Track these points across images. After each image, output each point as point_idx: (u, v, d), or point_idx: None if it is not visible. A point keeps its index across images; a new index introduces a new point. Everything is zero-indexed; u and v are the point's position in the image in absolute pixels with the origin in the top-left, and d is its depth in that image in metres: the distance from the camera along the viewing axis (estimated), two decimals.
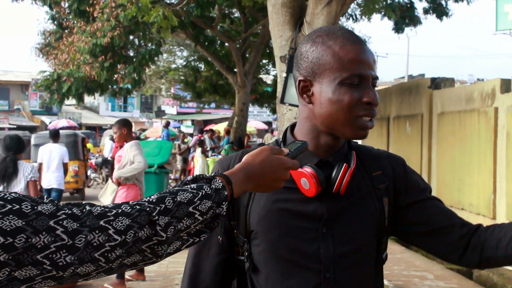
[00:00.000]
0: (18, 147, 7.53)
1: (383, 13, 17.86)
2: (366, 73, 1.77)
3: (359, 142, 2.04)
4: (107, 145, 23.96)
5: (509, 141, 10.10)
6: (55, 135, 12.41)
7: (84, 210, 1.33)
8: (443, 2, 18.46)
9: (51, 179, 11.70)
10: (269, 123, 48.18)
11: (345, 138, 1.88)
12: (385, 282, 7.90)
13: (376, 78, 1.82)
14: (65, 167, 12.12)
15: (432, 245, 1.95)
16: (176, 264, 9.04)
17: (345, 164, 1.82)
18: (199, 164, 18.73)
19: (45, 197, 1.35)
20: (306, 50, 1.86)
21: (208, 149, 20.81)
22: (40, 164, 11.64)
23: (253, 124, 42.92)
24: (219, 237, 1.87)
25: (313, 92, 1.84)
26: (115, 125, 8.34)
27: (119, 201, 7.92)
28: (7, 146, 7.44)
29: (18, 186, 7.28)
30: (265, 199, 1.84)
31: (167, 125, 27.94)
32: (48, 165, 11.71)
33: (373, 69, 1.80)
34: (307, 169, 1.78)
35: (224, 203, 1.48)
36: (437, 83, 13.29)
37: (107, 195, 8.48)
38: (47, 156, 11.78)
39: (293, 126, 1.97)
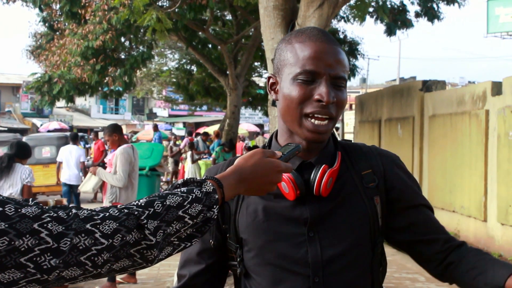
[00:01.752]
0: (20, 151, 7.64)
1: (375, 16, 17.90)
2: (320, 70, 1.73)
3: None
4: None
5: (500, 144, 10.13)
6: (74, 138, 14.70)
7: (70, 213, 1.31)
8: (435, 6, 18.51)
9: (71, 176, 13.67)
10: (261, 126, 48.21)
11: (303, 139, 1.82)
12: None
13: (341, 78, 1.77)
14: (82, 165, 14.01)
15: (412, 252, 1.94)
16: (167, 267, 9.01)
17: (324, 165, 1.80)
18: (188, 167, 18.69)
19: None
20: (277, 49, 1.88)
21: (201, 151, 20.74)
22: (60, 163, 13.99)
23: (245, 127, 42.91)
24: (210, 241, 1.85)
25: (277, 88, 1.85)
26: (105, 132, 8.36)
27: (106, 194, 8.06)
28: (10, 148, 7.69)
29: (14, 188, 7.32)
30: (252, 206, 1.83)
31: (155, 128, 27.88)
32: (68, 164, 13.71)
33: (333, 68, 1.74)
34: (285, 174, 1.76)
35: (215, 206, 1.46)
36: (428, 86, 13.33)
37: (90, 184, 8.52)
38: (68, 156, 13.77)
39: (277, 131, 1.96)
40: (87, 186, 8.62)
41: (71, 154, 13.83)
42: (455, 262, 1.83)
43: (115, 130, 8.23)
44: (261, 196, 1.81)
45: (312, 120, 1.75)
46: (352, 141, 2.00)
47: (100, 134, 19.42)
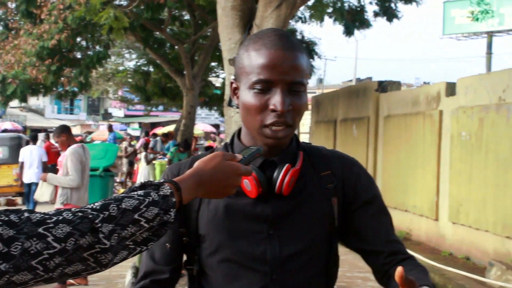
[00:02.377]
0: None
1: (334, 17, 18.01)
2: (274, 79, 1.72)
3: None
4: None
5: (452, 144, 10.30)
6: (34, 138, 14.78)
7: (22, 217, 1.27)
8: (393, 5, 18.69)
9: (31, 176, 13.54)
10: (217, 126, 48.12)
11: (263, 144, 1.81)
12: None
13: (297, 83, 1.75)
14: (44, 165, 13.78)
15: (362, 257, 1.96)
16: (119, 268, 8.88)
17: (287, 164, 1.81)
18: (142, 168, 18.58)
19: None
20: (237, 55, 1.89)
21: (157, 151, 20.63)
22: (22, 163, 13.81)
23: (201, 127, 42.78)
24: (167, 244, 1.86)
25: (238, 94, 1.84)
26: (54, 134, 8.27)
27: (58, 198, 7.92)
28: None
29: None
30: (214, 202, 1.84)
31: (110, 128, 27.64)
32: (30, 164, 13.66)
33: (289, 75, 1.72)
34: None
35: (172, 210, 1.44)
36: (384, 86, 13.47)
37: (46, 193, 8.40)
38: (28, 156, 13.73)
39: (240, 129, 1.96)
40: (45, 195, 8.46)
41: (31, 154, 13.79)
42: (392, 276, 1.82)
43: (63, 131, 8.14)
44: None
45: (273, 127, 1.75)
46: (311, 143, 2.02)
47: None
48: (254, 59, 1.74)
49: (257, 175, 1.78)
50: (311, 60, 20.78)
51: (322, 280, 1.89)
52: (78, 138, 17.20)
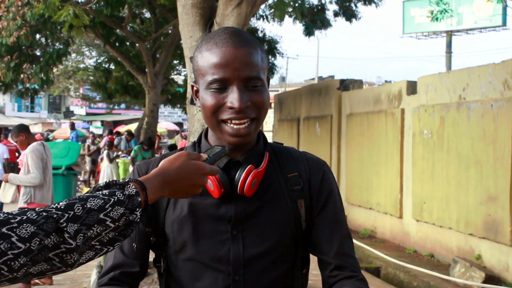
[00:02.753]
0: None
1: (294, 16, 18.02)
2: (229, 76, 1.71)
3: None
4: None
5: (415, 142, 10.37)
6: None
7: None
8: (353, 5, 18.79)
9: None
10: (180, 124, 48.02)
11: (227, 144, 1.81)
12: None
13: (253, 78, 1.74)
14: (6, 162, 13.09)
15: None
16: (84, 267, 8.82)
17: (250, 165, 1.80)
18: (104, 166, 18.44)
19: None
20: (194, 53, 1.88)
21: (121, 149, 20.46)
22: None
23: (164, 125, 42.68)
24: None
25: (199, 96, 1.84)
26: (12, 134, 8.16)
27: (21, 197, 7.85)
28: None
29: None
30: (180, 202, 1.83)
31: (72, 126, 27.42)
32: None
33: (243, 71, 1.72)
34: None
35: (137, 209, 1.44)
36: (346, 85, 13.52)
37: (8, 193, 8.28)
38: None
39: (208, 129, 1.95)
40: (7, 197, 8.35)
41: None
42: None
43: (21, 130, 8.07)
44: None
45: (231, 125, 1.74)
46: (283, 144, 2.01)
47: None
48: (207, 59, 1.75)
49: (219, 175, 1.78)
50: (273, 58, 20.81)
51: (289, 282, 1.88)
52: (37, 136, 16.97)
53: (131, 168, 16.84)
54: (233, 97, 1.71)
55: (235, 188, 1.80)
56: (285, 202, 1.85)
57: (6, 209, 9.87)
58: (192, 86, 1.89)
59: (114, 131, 26.57)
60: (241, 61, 1.72)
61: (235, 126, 1.74)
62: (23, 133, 8.03)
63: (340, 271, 1.86)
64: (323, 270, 1.89)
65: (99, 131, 40.70)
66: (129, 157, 17.76)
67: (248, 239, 1.81)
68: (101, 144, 22.14)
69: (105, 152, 18.56)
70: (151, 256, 1.96)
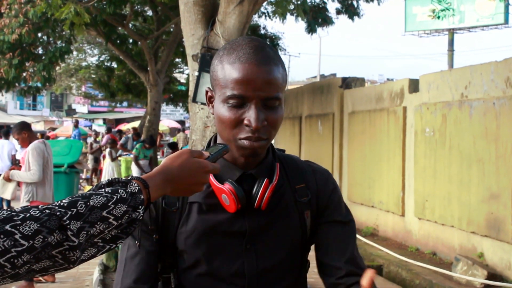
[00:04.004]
0: None
1: (296, 14, 18.01)
2: (249, 95, 1.70)
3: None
4: None
5: (417, 140, 10.36)
6: (6, 133, 15.34)
7: None
8: (355, 3, 18.77)
9: (3, 167, 13.66)
10: (182, 122, 47.98)
11: (239, 156, 1.82)
12: None
13: (272, 99, 1.73)
14: (13, 158, 14.35)
15: (318, 269, 1.97)
16: (86, 265, 8.85)
17: (266, 179, 1.80)
18: (106, 164, 18.44)
19: None
20: (212, 63, 1.85)
21: (127, 149, 20.49)
22: None
23: (166, 123, 42.65)
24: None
25: (213, 104, 1.83)
26: (14, 131, 8.17)
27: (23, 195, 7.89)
28: None
29: None
30: (192, 219, 1.82)
31: (76, 124, 27.45)
32: (1, 157, 14.25)
33: (263, 91, 1.70)
34: (226, 185, 1.77)
35: (140, 207, 1.44)
36: (348, 83, 13.50)
37: (8, 189, 8.31)
38: None
39: (217, 136, 1.95)
40: (7, 193, 8.38)
41: (3, 148, 14.34)
42: None
43: (23, 128, 8.09)
44: (201, 208, 1.82)
45: (245, 141, 1.74)
46: (284, 150, 2.02)
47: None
48: (228, 72, 1.73)
49: (236, 190, 1.77)
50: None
51: (298, 286, 1.94)
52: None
53: (133, 166, 16.86)
54: (250, 116, 1.71)
55: (251, 202, 1.80)
56: (294, 214, 1.88)
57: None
58: (207, 92, 1.87)
59: (116, 129, 26.54)
60: (263, 80, 1.71)
61: (249, 142, 1.74)
62: (26, 131, 8.06)
63: (350, 277, 1.87)
64: (330, 274, 1.90)
65: (101, 129, 40.72)
66: (132, 155, 17.78)
67: (260, 252, 1.83)
68: (102, 142, 22.14)
69: (107, 150, 18.57)
70: None
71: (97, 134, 24.17)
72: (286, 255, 1.85)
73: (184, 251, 1.83)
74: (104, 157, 20.45)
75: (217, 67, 1.78)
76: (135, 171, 16.54)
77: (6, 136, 15.21)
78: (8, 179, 8.10)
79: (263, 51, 1.74)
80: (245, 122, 1.72)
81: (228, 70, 1.73)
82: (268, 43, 20.51)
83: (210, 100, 1.86)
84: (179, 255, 1.85)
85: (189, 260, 1.83)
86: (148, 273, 1.83)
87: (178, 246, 1.84)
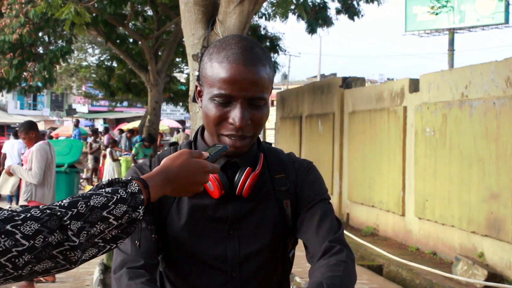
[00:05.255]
0: None
1: (297, 14, 18.02)
2: (235, 94, 1.76)
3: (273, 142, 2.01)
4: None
5: (417, 139, 10.35)
6: (16, 133, 14.90)
7: None
8: (355, 3, 18.77)
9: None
10: (182, 122, 47.96)
11: None
12: (297, 279, 7.96)
13: (258, 99, 1.79)
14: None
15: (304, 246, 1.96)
16: (87, 265, 8.84)
17: (248, 167, 1.88)
18: (107, 164, 18.43)
19: None
20: (201, 60, 1.91)
21: (121, 149, 20.47)
22: (5, 154, 15.29)
23: (166, 123, 42.61)
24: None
25: (202, 98, 1.88)
26: (21, 130, 8.12)
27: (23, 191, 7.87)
28: None
29: None
30: (182, 203, 1.89)
31: (77, 124, 27.44)
32: (10, 156, 14.76)
33: (249, 91, 1.76)
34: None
35: (140, 207, 1.45)
36: (348, 83, 13.50)
37: (8, 185, 8.32)
38: (10, 148, 14.94)
39: (204, 128, 1.99)
40: (6, 188, 8.39)
41: (13, 147, 14.83)
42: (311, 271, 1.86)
43: (31, 128, 8.04)
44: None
45: (227, 138, 1.81)
46: (273, 144, 2.07)
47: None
48: (217, 72, 1.78)
49: (219, 177, 1.84)
50: (275, 55, 20.78)
51: (278, 278, 2.01)
52: None
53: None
54: (235, 114, 1.77)
55: (234, 189, 1.87)
56: (273, 203, 1.94)
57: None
58: (196, 86, 1.93)
59: (117, 129, 26.52)
60: (249, 81, 1.76)
61: (232, 138, 1.80)
62: (33, 131, 8.00)
63: (327, 254, 1.85)
64: (313, 258, 1.88)
65: (100, 128, 40.68)
66: (131, 155, 17.78)
67: (243, 238, 1.89)
68: (104, 142, 22.12)
69: (108, 150, 18.56)
70: None
71: (96, 133, 24.07)
72: (268, 242, 1.90)
73: (171, 233, 1.88)
74: (104, 156, 20.46)
75: (207, 65, 1.83)
76: None
77: (16, 136, 15.21)
78: (9, 173, 8.10)
79: (252, 51, 1.79)
80: (230, 120, 1.78)
81: (216, 69, 1.78)
82: (268, 43, 20.52)
83: (199, 94, 1.91)
84: (167, 238, 1.89)
85: (175, 242, 1.88)
86: (144, 250, 1.85)
87: (168, 230, 1.89)
